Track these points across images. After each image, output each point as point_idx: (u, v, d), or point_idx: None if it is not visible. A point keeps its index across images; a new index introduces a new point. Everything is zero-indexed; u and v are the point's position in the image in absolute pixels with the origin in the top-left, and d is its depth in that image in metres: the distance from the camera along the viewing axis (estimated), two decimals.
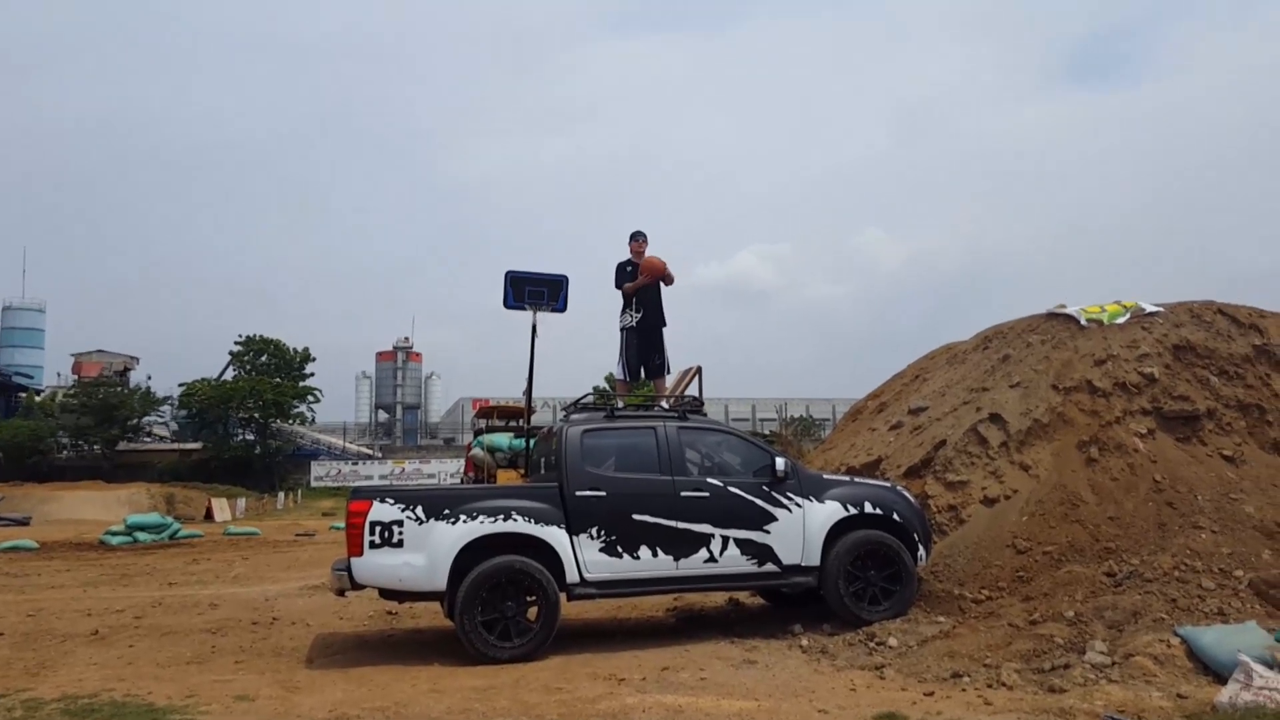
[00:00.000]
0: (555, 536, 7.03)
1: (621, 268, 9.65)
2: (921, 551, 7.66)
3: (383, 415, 72.86)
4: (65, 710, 5.56)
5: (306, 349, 57.01)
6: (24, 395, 60.04)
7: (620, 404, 8.49)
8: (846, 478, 8.36)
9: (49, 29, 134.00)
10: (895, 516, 7.65)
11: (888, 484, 8.27)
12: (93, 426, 52.06)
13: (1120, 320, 9.46)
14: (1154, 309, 9.59)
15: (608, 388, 37.05)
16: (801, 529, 7.47)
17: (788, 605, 8.34)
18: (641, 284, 9.47)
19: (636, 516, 7.21)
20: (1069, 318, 9.73)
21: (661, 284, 9.63)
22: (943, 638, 6.69)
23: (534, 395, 9.20)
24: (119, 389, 55.89)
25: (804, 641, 7.06)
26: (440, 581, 6.85)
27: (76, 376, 62.22)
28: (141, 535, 22.14)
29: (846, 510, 7.58)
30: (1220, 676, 5.43)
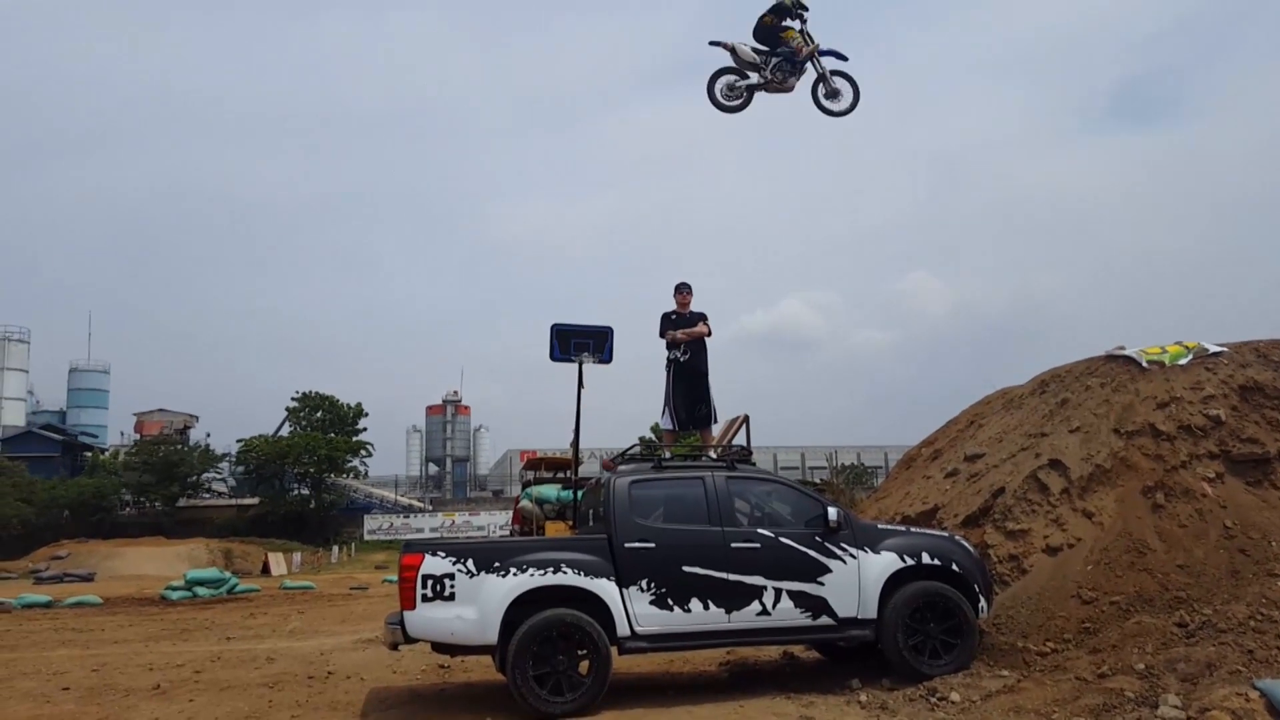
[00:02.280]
0: (605, 589, 6.99)
1: (666, 317, 9.73)
2: (983, 603, 7.44)
3: (433, 468, 73.55)
4: None
5: (359, 404, 58.10)
6: (89, 454, 61.87)
7: (668, 454, 8.47)
8: (902, 527, 8.20)
9: (110, 104, 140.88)
10: (954, 567, 7.46)
11: (946, 533, 8.09)
12: (154, 484, 53.39)
13: (1182, 361, 9.22)
14: (1218, 349, 9.33)
15: (654, 438, 37.02)
16: (857, 580, 7.32)
17: (844, 660, 8.14)
18: (683, 339, 9.55)
19: (687, 568, 7.13)
20: (1129, 360, 9.52)
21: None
22: (1007, 692, 6.47)
23: (581, 446, 9.23)
24: (179, 447, 57.38)
25: (862, 697, 6.87)
26: (491, 635, 6.84)
27: (139, 435, 64.05)
28: (201, 590, 22.55)
29: (904, 561, 7.42)
30: None
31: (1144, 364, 9.35)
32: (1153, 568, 7.51)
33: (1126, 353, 9.61)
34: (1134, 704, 5.80)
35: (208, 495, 59.54)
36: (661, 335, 9.73)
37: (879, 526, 7.95)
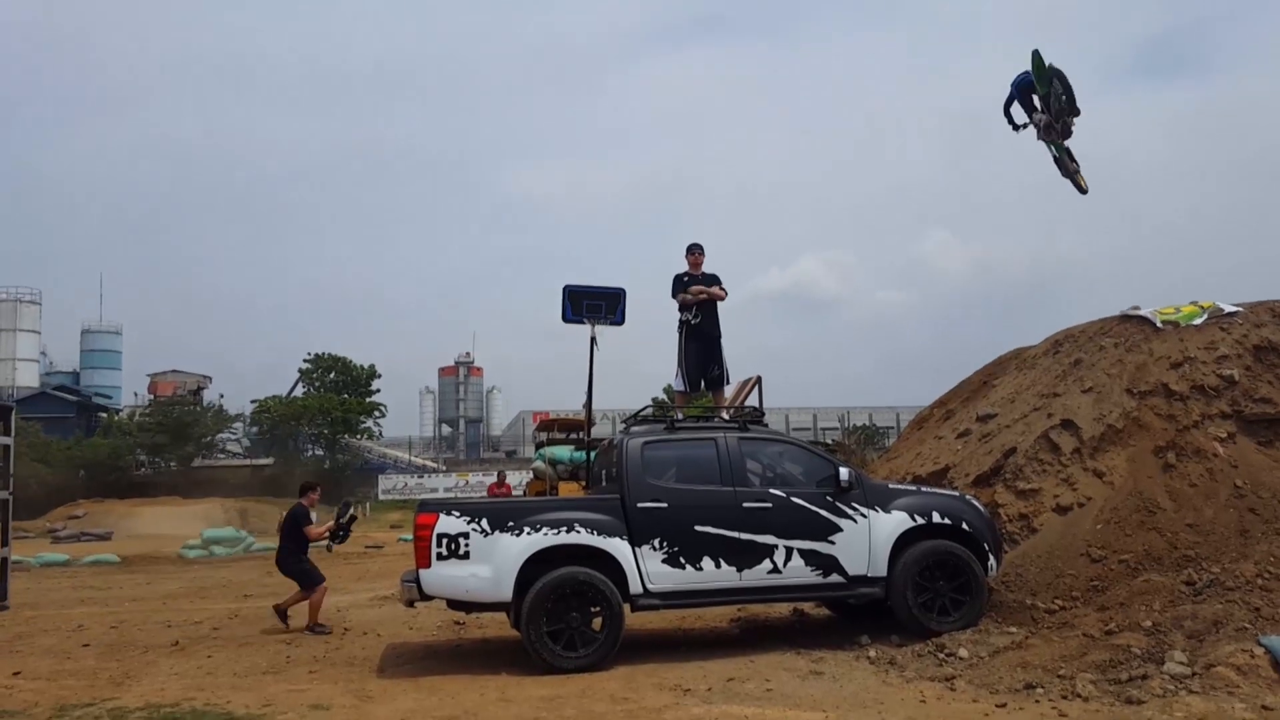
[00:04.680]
0: (618, 548, 7.07)
1: (679, 279, 9.67)
2: (992, 561, 7.50)
3: (446, 429, 73.99)
4: (149, 718, 5.76)
5: (372, 365, 58.24)
6: (103, 415, 62.43)
7: (680, 415, 8.50)
8: (913, 487, 8.23)
9: (126, 66, 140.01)
10: (965, 526, 7.51)
11: (956, 493, 8.12)
12: (168, 444, 53.84)
13: (1197, 321, 9.15)
14: (1233, 309, 9.25)
15: (666, 399, 37.04)
16: (867, 539, 7.38)
17: (854, 616, 8.23)
18: (695, 300, 9.51)
19: (699, 528, 7.21)
20: (1143, 320, 9.46)
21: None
22: (1015, 649, 6.54)
23: (594, 407, 9.27)
24: (193, 407, 57.78)
25: (871, 653, 6.96)
26: (506, 592, 6.94)
27: (152, 396, 64.53)
28: (217, 549, 22.87)
29: (914, 520, 7.47)
30: None
31: (1158, 324, 9.29)
32: (1162, 527, 7.53)
33: (1141, 313, 9.55)
34: (1140, 660, 5.85)
35: (222, 456, 60.04)
36: (674, 296, 9.69)
37: (890, 486, 7.99)
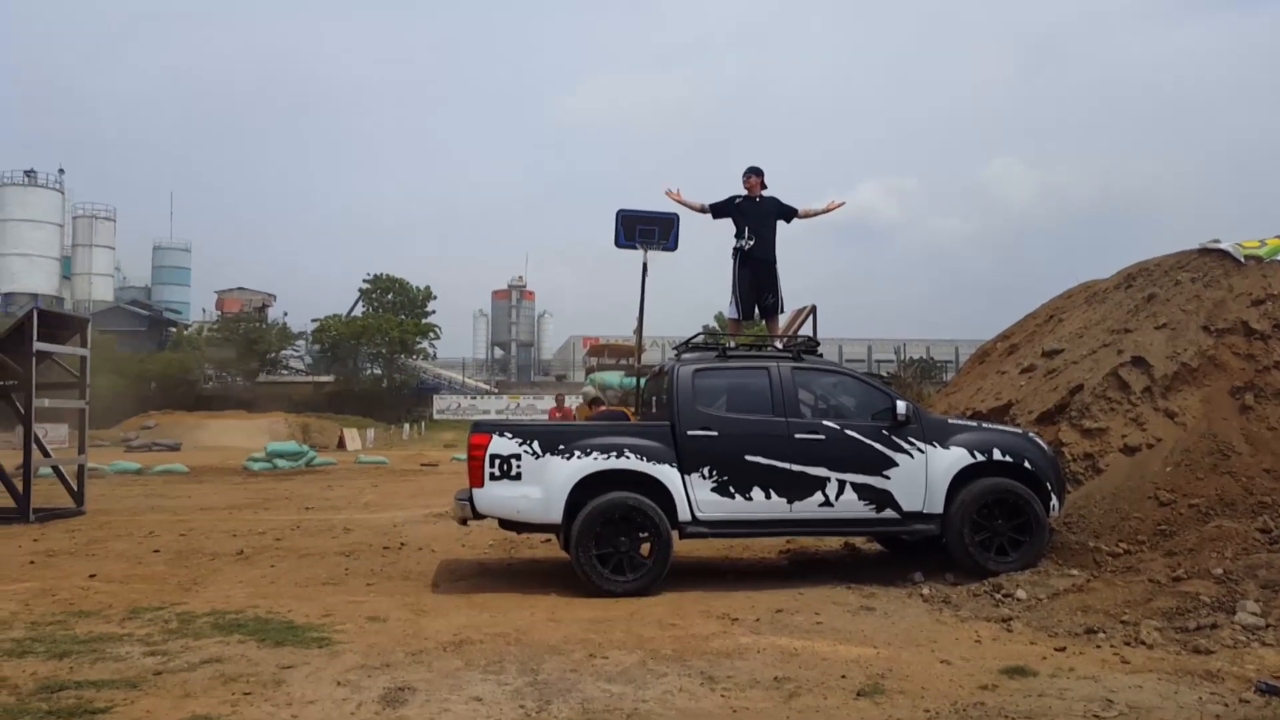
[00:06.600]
0: (667, 475, 7.03)
1: (731, 200, 9.30)
2: (1054, 501, 7.29)
3: (498, 352, 74.88)
4: (214, 624, 5.96)
5: (428, 287, 58.88)
6: (173, 329, 64.42)
7: (732, 344, 8.35)
8: (973, 423, 8.02)
9: None
10: (1026, 464, 7.29)
11: (1018, 430, 7.88)
12: (235, 359, 55.54)
13: None
14: None
15: (718, 327, 36.78)
16: (924, 475, 7.21)
17: (907, 553, 8.13)
18: (822, 212, 9.37)
19: (749, 457, 7.12)
20: (1223, 254, 8.96)
21: (781, 221, 9.32)
22: (1075, 592, 6.37)
23: (644, 334, 9.16)
24: (258, 324, 59.33)
25: (925, 591, 6.86)
26: (555, 515, 6.98)
27: (220, 312, 66.38)
28: (280, 462, 23.61)
29: (973, 457, 7.27)
30: None
31: (1240, 258, 8.83)
32: (1236, 471, 7.23)
33: (1221, 246, 9.06)
34: (1210, 609, 5.64)
35: (286, 372, 61.70)
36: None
37: (949, 421, 7.79)
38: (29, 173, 65.86)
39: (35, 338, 11.87)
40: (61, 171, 68.06)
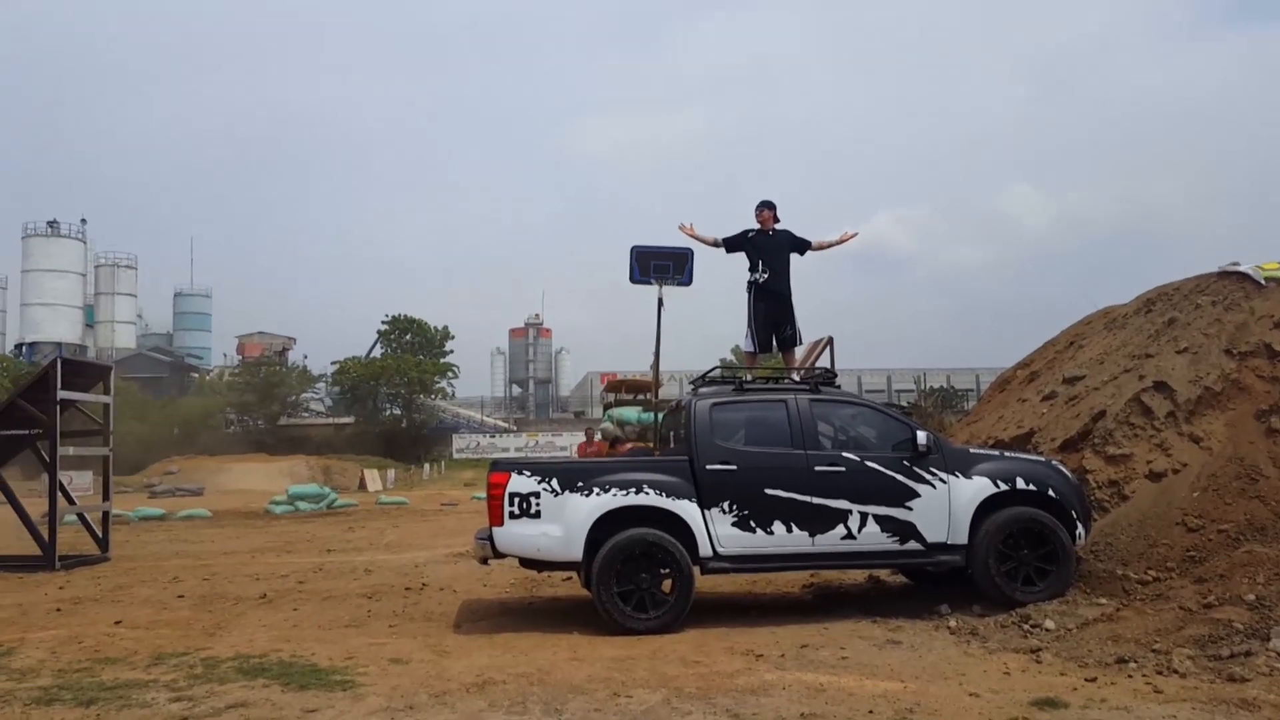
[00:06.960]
0: (687, 510, 7.01)
1: (744, 234, 9.36)
2: (1080, 530, 7.20)
3: (516, 390, 75.12)
4: (239, 669, 5.96)
5: (446, 327, 59.37)
6: (195, 375, 65.11)
7: (749, 376, 8.35)
8: (995, 452, 7.94)
9: (207, 32, 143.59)
10: (1050, 492, 7.21)
11: (1042, 458, 7.81)
12: (256, 403, 56.02)
13: None
14: None
15: (734, 360, 36.77)
16: (947, 505, 7.15)
17: (933, 585, 8.03)
18: (836, 244, 9.42)
19: (769, 491, 7.08)
20: (1243, 276, 8.92)
21: (794, 253, 9.36)
22: (1105, 621, 6.27)
23: (661, 368, 9.18)
24: (279, 368, 59.84)
25: (952, 622, 6.77)
26: (576, 552, 6.96)
27: (240, 356, 67.05)
28: (302, 504, 23.73)
29: (996, 486, 7.20)
30: None
31: (1261, 280, 8.79)
32: (1265, 495, 7.12)
33: (1241, 269, 9.01)
34: (1243, 635, 5.54)
35: (306, 414, 62.15)
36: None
37: (971, 450, 7.73)
38: (52, 223, 67.18)
39: (59, 386, 12.05)
40: (84, 221, 69.46)
